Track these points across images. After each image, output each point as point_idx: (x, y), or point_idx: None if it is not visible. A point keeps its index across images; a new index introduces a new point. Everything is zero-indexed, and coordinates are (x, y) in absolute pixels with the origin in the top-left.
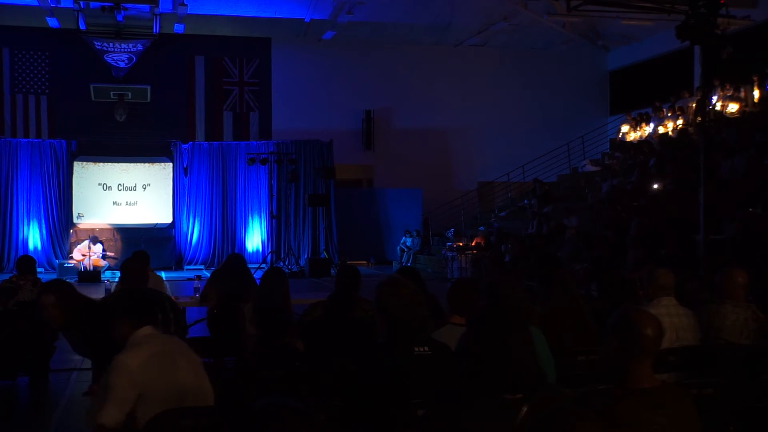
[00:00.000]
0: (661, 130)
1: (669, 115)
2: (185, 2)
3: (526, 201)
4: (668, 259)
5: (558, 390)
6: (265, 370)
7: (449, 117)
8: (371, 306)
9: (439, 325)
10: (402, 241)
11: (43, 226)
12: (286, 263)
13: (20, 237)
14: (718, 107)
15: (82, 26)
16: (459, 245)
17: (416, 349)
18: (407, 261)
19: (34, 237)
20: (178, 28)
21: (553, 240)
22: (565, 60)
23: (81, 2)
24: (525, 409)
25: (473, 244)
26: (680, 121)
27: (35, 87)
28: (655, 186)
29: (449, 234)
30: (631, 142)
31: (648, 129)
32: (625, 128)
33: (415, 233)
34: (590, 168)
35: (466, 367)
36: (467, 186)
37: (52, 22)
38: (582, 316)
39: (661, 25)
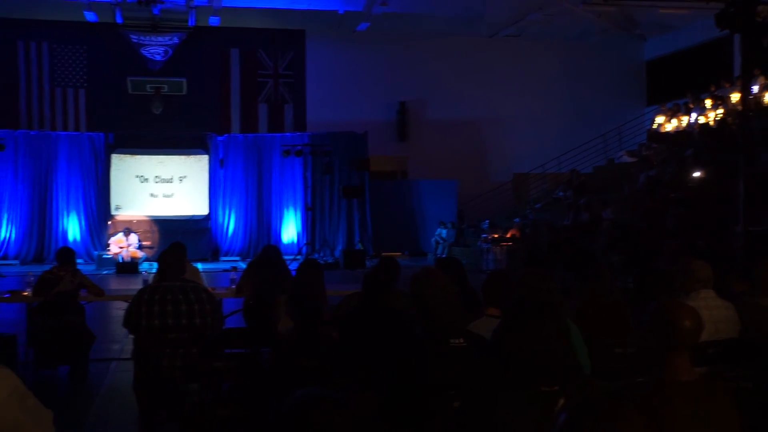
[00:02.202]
0: (701, 120)
1: (709, 105)
2: None
3: (561, 192)
4: (706, 251)
5: (594, 382)
6: (299, 361)
7: (484, 108)
8: (407, 297)
9: (475, 316)
10: (437, 233)
11: (82, 218)
12: (321, 255)
13: (60, 229)
14: (759, 97)
15: (119, 20)
16: (494, 237)
17: (452, 340)
18: (442, 252)
19: (73, 229)
20: (213, 20)
21: (588, 232)
22: (601, 50)
23: None
24: (561, 401)
25: (508, 235)
26: (720, 111)
27: (74, 81)
28: (697, 174)
29: (484, 225)
30: (668, 132)
31: (686, 119)
32: (660, 119)
33: (450, 225)
34: (626, 159)
35: (501, 359)
36: (502, 177)
37: (89, 16)
38: (617, 309)
39: (699, 13)
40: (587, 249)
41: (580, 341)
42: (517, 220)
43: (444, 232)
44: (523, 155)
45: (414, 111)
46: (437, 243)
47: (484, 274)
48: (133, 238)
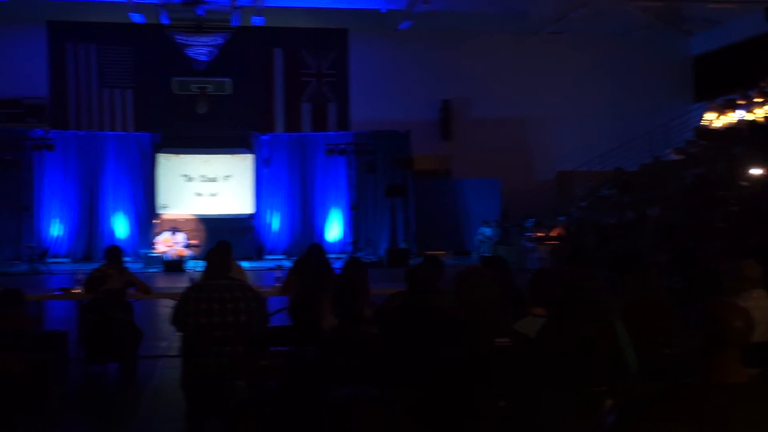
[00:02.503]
0: (749, 116)
1: (758, 101)
2: None
3: (606, 191)
4: (756, 250)
5: (642, 383)
6: (342, 360)
7: (527, 106)
8: (451, 296)
9: (520, 316)
10: (480, 232)
11: (130, 216)
12: (365, 253)
13: (108, 227)
14: None
15: (164, 21)
16: (538, 235)
17: (497, 340)
18: (486, 251)
19: (120, 227)
20: (257, 20)
21: (634, 230)
22: (646, 45)
23: None
24: (609, 401)
25: (553, 234)
26: None
27: (121, 81)
28: (758, 172)
29: (528, 224)
30: (716, 129)
31: (735, 116)
32: (709, 116)
33: (493, 223)
34: (673, 157)
35: (547, 358)
36: (546, 175)
37: (135, 17)
38: (664, 308)
39: (748, 7)
40: (632, 248)
41: (627, 341)
42: (561, 218)
43: (488, 231)
44: (567, 153)
45: (457, 109)
46: (481, 242)
47: (528, 273)
48: (180, 237)
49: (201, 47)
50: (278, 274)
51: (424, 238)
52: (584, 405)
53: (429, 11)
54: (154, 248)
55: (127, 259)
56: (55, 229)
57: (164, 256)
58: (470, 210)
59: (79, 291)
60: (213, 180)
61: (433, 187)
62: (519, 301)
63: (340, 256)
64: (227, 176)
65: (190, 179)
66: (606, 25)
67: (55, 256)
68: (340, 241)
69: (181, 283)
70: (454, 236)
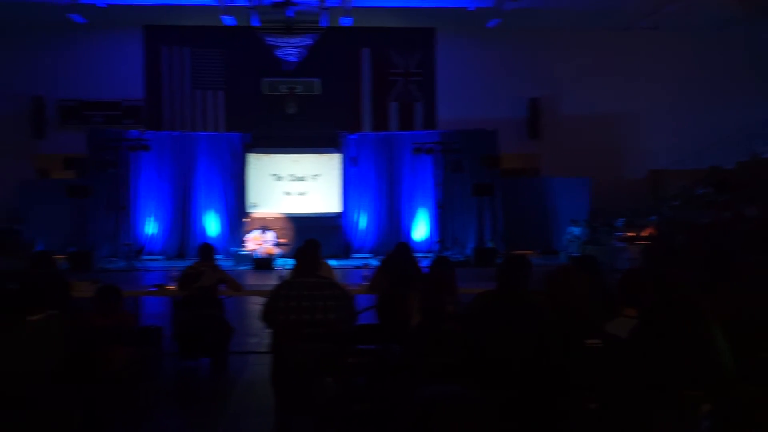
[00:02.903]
0: None
1: None
2: None
3: (700, 189)
4: None
5: (741, 387)
6: (427, 357)
7: (618, 103)
8: (539, 296)
9: (611, 316)
10: (569, 231)
11: (221, 215)
12: (452, 252)
13: (200, 225)
14: None
15: (254, 23)
16: (629, 235)
17: (587, 340)
18: (574, 251)
19: (212, 226)
20: (345, 21)
21: (730, 230)
22: (743, 39)
23: (254, 0)
24: (706, 406)
25: (644, 234)
26: None
27: (212, 83)
28: None
29: (618, 223)
30: None
31: None
32: None
33: (582, 223)
34: None
35: (640, 361)
36: (637, 174)
37: (227, 20)
38: (760, 311)
39: None
40: (727, 248)
41: (724, 344)
42: (653, 218)
43: (576, 230)
44: (659, 151)
45: (545, 107)
46: (569, 241)
47: (618, 274)
48: (270, 235)
49: (290, 48)
50: (365, 272)
51: (511, 237)
52: (679, 409)
53: (518, 8)
54: (244, 246)
55: (218, 256)
56: (150, 227)
57: (254, 254)
58: (558, 209)
59: (173, 288)
60: (301, 179)
61: (521, 186)
62: (610, 302)
63: (426, 254)
64: (315, 175)
65: (279, 178)
66: (701, 19)
67: (150, 254)
68: (426, 240)
69: (271, 281)
70: (542, 235)
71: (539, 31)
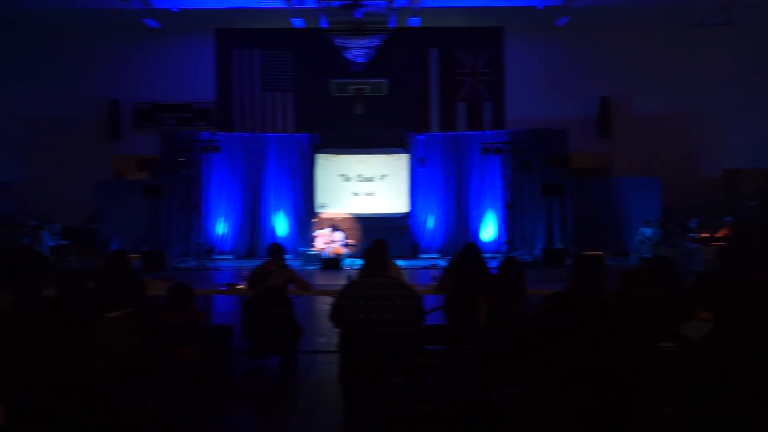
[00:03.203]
0: None
1: None
2: None
3: None
4: None
5: None
6: (497, 359)
7: (691, 101)
8: (612, 298)
9: (686, 319)
10: (641, 232)
11: (290, 215)
12: (520, 253)
13: (269, 225)
14: None
15: (323, 25)
16: (703, 236)
17: (661, 343)
18: (646, 252)
19: (281, 225)
20: (413, 21)
21: None
22: None
23: (323, 2)
24: None
25: (718, 235)
26: None
27: (282, 84)
28: None
29: (692, 224)
30: None
31: None
32: None
33: (654, 223)
34: None
35: (716, 365)
36: (711, 173)
37: (296, 22)
38: None
39: None
40: None
41: None
42: (728, 218)
43: (648, 231)
44: (734, 150)
45: (616, 106)
46: (641, 242)
47: (692, 275)
48: (338, 235)
49: (358, 49)
50: (433, 272)
51: (581, 238)
52: (756, 416)
53: (588, 6)
54: (312, 246)
55: (287, 256)
56: (221, 227)
57: (322, 253)
58: (629, 209)
59: (243, 287)
60: (369, 179)
61: (591, 185)
62: (684, 305)
63: (494, 255)
64: (383, 176)
65: (347, 179)
66: None
67: (220, 253)
68: (494, 241)
69: (339, 281)
70: (612, 236)
71: (609, 28)
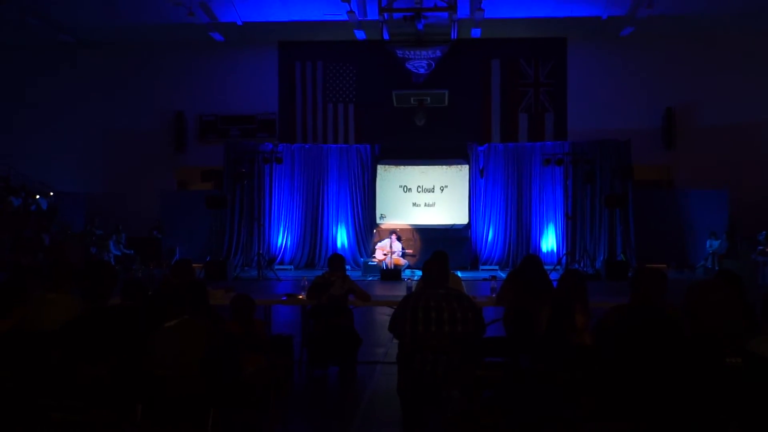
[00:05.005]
0: None
1: None
2: (482, 7)
3: None
4: None
5: None
6: (559, 372)
7: (759, 110)
8: (676, 311)
9: (754, 334)
10: (708, 244)
11: (350, 226)
12: (581, 265)
13: (329, 236)
14: None
15: (385, 36)
16: None
17: (728, 359)
18: (712, 265)
19: (341, 236)
20: (475, 32)
21: None
22: None
23: (385, 14)
24: None
25: None
26: None
27: (343, 96)
28: None
29: (760, 237)
30: None
31: None
32: None
33: (721, 236)
34: None
35: None
36: None
37: (359, 34)
38: None
39: None
40: None
41: None
42: None
43: (714, 244)
44: None
45: (681, 116)
46: (707, 255)
47: (760, 289)
48: (397, 246)
49: (420, 61)
50: (493, 284)
51: (644, 250)
52: None
53: (652, 16)
54: (372, 257)
55: (347, 267)
56: (282, 237)
57: (382, 264)
58: (694, 221)
59: (303, 297)
60: (430, 190)
61: (655, 197)
62: (751, 319)
63: (555, 267)
64: (444, 187)
65: (407, 190)
66: None
67: (281, 263)
68: (555, 252)
69: (399, 292)
70: (676, 249)
71: (674, 38)
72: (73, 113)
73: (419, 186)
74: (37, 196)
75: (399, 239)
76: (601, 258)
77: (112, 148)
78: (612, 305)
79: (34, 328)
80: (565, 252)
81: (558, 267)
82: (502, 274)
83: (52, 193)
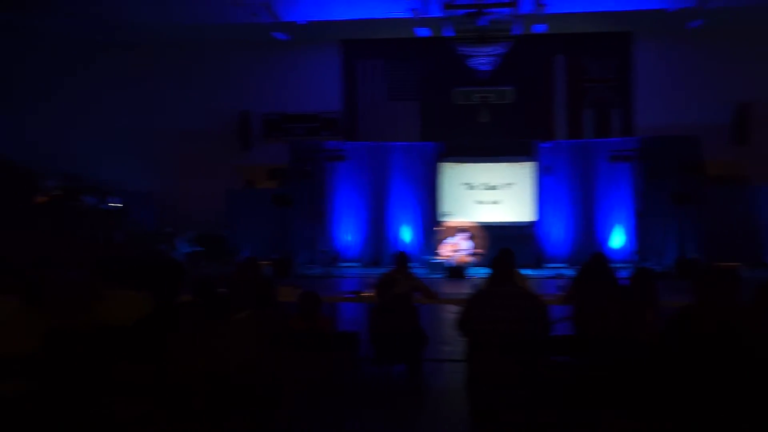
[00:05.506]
0: None
1: None
2: (544, 2)
3: None
4: None
5: None
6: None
7: None
8: (741, 313)
9: None
10: None
11: (414, 224)
12: (650, 263)
13: (393, 234)
14: None
15: (448, 33)
16: None
17: None
18: None
19: (405, 234)
20: (538, 28)
21: None
22: None
23: (448, 11)
24: None
25: None
26: None
27: (406, 94)
28: None
29: None
30: None
31: None
32: None
33: None
34: None
35: None
36: None
37: (421, 31)
38: None
39: None
40: None
41: None
42: None
43: None
44: None
45: (754, 111)
46: None
47: None
48: (464, 244)
49: (483, 57)
50: (559, 282)
51: (715, 248)
52: None
53: (722, 7)
54: (437, 254)
55: (412, 264)
56: (346, 235)
57: (446, 262)
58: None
59: (369, 294)
60: (494, 188)
61: (726, 194)
62: None
63: (623, 265)
64: (508, 184)
65: (471, 187)
66: None
67: (345, 261)
68: (623, 250)
69: (464, 289)
70: (749, 247)
71: (745, 30)
72: (142, 114)
73: (483, 183)
74: (109, 196)
75: (469, 237)
76: (671, 256)
77: (181, 147)
78: (682, 304)
79: (109, 323)
80: (633, 250)
81: (626, 265)
82: (569, 272)
83: (123, 193)
